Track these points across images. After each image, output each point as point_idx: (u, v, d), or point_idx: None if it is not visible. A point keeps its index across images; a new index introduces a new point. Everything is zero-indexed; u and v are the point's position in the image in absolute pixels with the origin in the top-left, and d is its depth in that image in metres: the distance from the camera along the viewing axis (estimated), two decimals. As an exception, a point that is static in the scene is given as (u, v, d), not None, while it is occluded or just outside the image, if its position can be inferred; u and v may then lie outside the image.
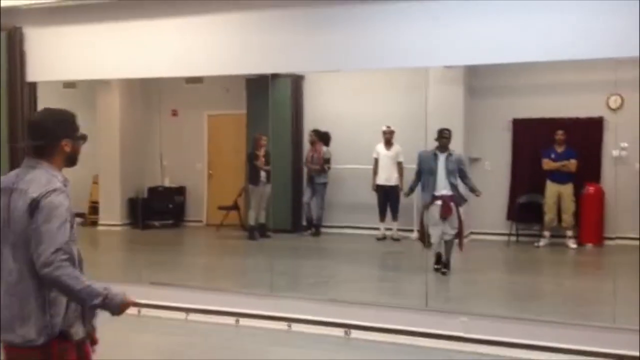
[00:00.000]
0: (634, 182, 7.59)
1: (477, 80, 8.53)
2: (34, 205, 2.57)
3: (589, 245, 8.23)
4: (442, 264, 7.03)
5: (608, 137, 8.15)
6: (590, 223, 8.26)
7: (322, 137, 9.43)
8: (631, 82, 7.17)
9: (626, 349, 4.89)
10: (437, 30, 5.47)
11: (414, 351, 5.35)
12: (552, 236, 8.40)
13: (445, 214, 6.92)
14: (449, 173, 6.99)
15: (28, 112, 6.80)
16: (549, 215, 8.38)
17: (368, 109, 9.27)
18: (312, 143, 9.46)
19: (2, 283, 2.68)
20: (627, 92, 7.59)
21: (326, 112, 9.59)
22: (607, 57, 5.11)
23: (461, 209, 7.10)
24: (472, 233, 8.48)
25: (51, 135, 2.74)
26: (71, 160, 2.82)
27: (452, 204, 6.96)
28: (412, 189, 7.51)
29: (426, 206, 7.08)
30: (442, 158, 7.02)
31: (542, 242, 8.39)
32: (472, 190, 7.15)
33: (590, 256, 8.25)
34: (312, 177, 9.45)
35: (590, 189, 8.30)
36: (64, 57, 6.75)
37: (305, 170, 9.60)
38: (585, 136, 8.38)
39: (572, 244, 8.26)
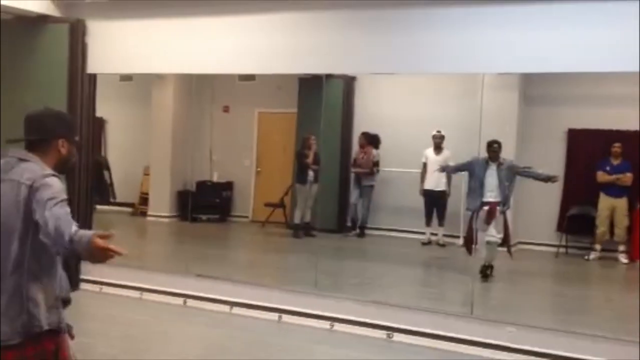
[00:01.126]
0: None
1: (533, 88, 8.40)
2: (32, 190, 2.46)
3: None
4: (486, 268, 7.01)
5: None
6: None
7: (372, 140, 9.41)
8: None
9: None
10: (495, 36, 5.41)
11: (456, 358, 5.30)
12: (603, 250, 8.20)
13: (490, 218, 6.97)
14: (501, 181, 7.05)
15: (87, 103, 7.00)
16: (601, 229, 8.19)
17: (419, 113, 9.21)
18: (362, 146, 9.45)
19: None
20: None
21: (377, 114, 9.56)
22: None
23: (509, 216, 7.08)
24: (520, 243, 8.35)
25: (49, 131, 2.66)
26: (63, 163, 2.69)
27: (497, 208, 6.99)
28: (444, 169, 8.00)
29: (475, 211, 7.08)
30: (493, 167, 7.08)
31: (592, 256, 8.20)
32: (548, 178, 7.08)
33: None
34: (360, 179, 9.45)
35: (646, 204, 8.09)
36: (123, 50, 6.91)
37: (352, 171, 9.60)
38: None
39: (624, 259, 8.08)
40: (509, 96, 8.33)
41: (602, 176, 8.21)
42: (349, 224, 9.55)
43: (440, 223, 8.78)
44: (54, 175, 2.54)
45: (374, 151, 9.39)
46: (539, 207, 8.48)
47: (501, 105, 8.25)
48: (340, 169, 9.55)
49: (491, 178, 7.09)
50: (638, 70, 4.88)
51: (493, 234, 7.01)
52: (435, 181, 8.73)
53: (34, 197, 2.45)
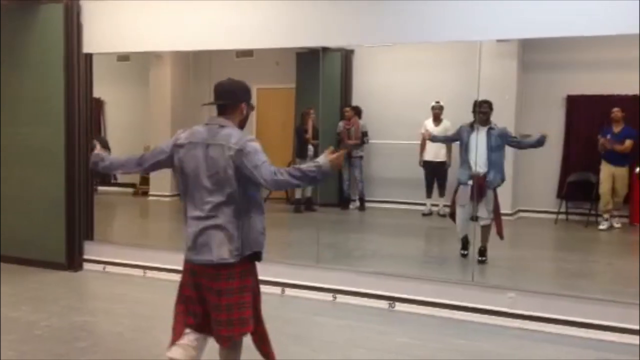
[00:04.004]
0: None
1: (531, 54, 8.35)
2: (240, 153, 3.15)
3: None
4: (479, 252, 6.49)
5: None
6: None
7: (357, 111, 9.43)
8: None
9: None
10: (491, 3, 5.36)
11: (459, 325, 5.35)
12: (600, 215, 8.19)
13: (479, 194, 6.44)
14: (491, 149, 6.43)
15: (84, 83, 6.99)
16: (606, 198, 8.10)
17: (418, 84, 9.18)
18: (349, 117, 9.43)
19: (193, 220, 3.29)
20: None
21: (375, 86, 9.54)
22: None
23: (499, 190, 6.55)
24: (520, 211, 8.39)
25: (235, 97, 3.34)
26: (244, 122, 3.41)
27: (486, 182, 6.44)
28: (433, 139, 7.74)
29: (462, 184, 6.63)
30: (482, 133, 6.49)
31: (604, 225, 8.14)
32: (539, 142, 6.42)
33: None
34: (350, 152, 9.45)
35: (645, 168, 8.09)
36: (118, 29, 6.88)
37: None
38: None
39: (616, 224, 8.11)
40: (508, 64, 8.29)
41: (601, 145, 8.13)
42: (353, 197, 9.57)
43: (441, 194, 8.79)
44: (252, 139, 3.23)
45: (360, 121, 9.40)
46: (539, 174, 8.50)
47: (500, 73, 8.22)
48: (338, 142, 9.55)
49: (480, 145, 6.46)
50: (637, 32, 4.85)
51: (484, 214, 6.48)
52: (435, 152, 8.69)
53: (246, 159, 3.15)
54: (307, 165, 3.23)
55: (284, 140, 10.02)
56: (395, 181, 9.35)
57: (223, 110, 3.36)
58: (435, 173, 8.81)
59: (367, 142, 9.44)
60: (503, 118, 7.76)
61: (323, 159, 3.22)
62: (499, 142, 6.47)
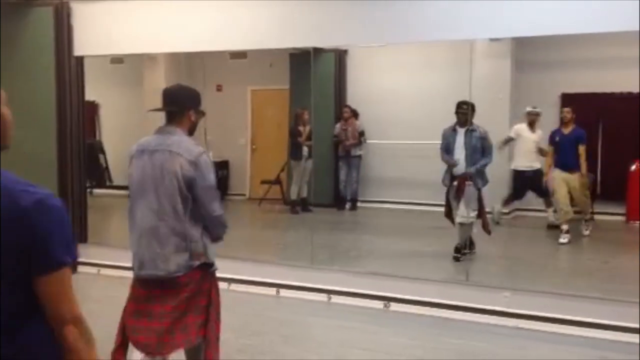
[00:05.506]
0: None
1: (526, 53, 8.34)
2: (193, 166, 3.15)
3: (638, 223, 8.00)
4: (455, 250, 6.49)
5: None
6: (638, 200, 8.01)
7: (355, 112, 9.42)
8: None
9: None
10: (484, 2, 5.35)
11: (454, 325, 5.34)
12: (596, 213, 8.10)
13: (458, 194, 6.44)
14: (470, 150, 6.39)
15: (76, 86, 6.96)
16: (564, 209, 7.39)
17: (413, 84, 9.16)
18: (347, 118, 9.42)
19: (138, 228, 3.23)
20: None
21: (369, 86, 9.52)
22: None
23: (485, 190, 6.53)
24: (517, 209, 8.37)
25: (182, 104, 3.30)
26: (193, 129, 3.37)
27: (466, 182, 6.41)
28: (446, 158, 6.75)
29: (446, 186, 6.61)
30: (461, 133, 6.49)
31: (564, 239, 7.37)
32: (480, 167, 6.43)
33: (638, 234, 8.02)
34: (348, 152, 9.42)
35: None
36: (110, 31, 6.85)
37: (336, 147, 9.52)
38: (638, 111, 8.08)
39: (585, 231, 7.74)
40: (502, 63, 8.28)
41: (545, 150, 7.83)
42: (348, 197, 9.54)
43: (548, 203, 8.05)
44: (205, 153, 3.24)
45: (357, 122, 9.38)
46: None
47: (494, 72, 8.22)
48: (335, 143, 9.54)
49: (459, 146, 6.44)
50: (635, 29, 4.82)
51: (463, 213, 6.42)
52: (529, 158, 7.98)
53: (199, 176, 3.17)
54: None
55: (279, 142, 10.00)
56: (389, 181, 9.32)
57: (171, 118, 3.32)
58: (530, 183, 7.99)
59: (364, 142, 9.43)
60: (497, 117, 7.80)
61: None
62: (479, 144, 6.44)
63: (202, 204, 3.21)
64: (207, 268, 3.34)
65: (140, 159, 3.25)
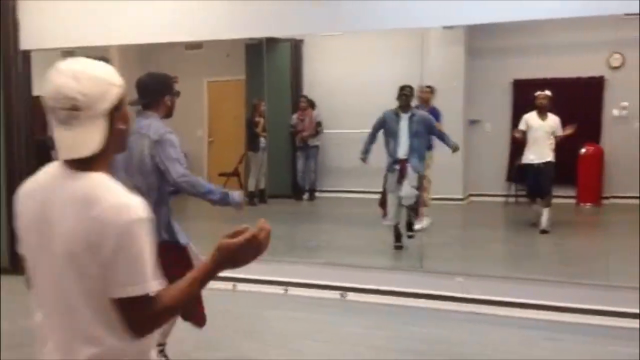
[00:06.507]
0: (634, 141, 7.53)
1: (478, 41, 8.40)
2: (157, 144, 3.45)
3: (588, 205, 8.18)
4: (407, 226, 6.55)
5: (609, 97, 8.05)
6: (588, 183, 8.20)
7: (312, 102, 9.41)
8: (632, 41, 7.08)
9: (620, 306, 4.92)
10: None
11: (410, 312, 5.40)
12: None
13: (400, 177, 6.51)
14: (412, 135, 6.44)
15: (23, 81, 6.79)
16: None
17: (368, 73, 9.16)
18: (304, 109, 9.41)
19: None
20: (628, 50, 7.49)
21: (325, 76, 9.50)
22: (608, 14, 5.04)
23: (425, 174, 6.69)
24: (471, 195, 8.49)
25: (155, 92, 3.60)
26: (170, 112, 3.67)
27: (408, 165, 6.48)
28: (366, 151, 6.90)
29: (389, 170, 6.64)
30: (404, 118, 6.48)
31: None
32: (452, 145, 6.61)
33: (588, 216, 8.22)
34: (306, 143, 9.42)
35: (590, 148, 8.22)
36: (59, 24, 6.70)
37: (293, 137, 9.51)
38: (587, 96, 8.24)
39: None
40: (455, 50, 8.35)
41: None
42: (306, 188, 9.54)
43: (546, 203, 7.51)
44: (171, 132, 3.53)
45: (314, 112, 9.38)
46: (489, 159, 8.59)
47: (448, 59, 8.29)
48: (292, 134, 9.52)
49: (403, 132, 6.44)
50: (584, 15, 4.95)
51: (408, 193, 6.46)
52: (540, 150, 7.29)
53: (161, 150, 3.47)
54: (220, 187, 3.73)
55: (236, 133, 9.93)
56: (347, 170, 9.34)
57: (147, 106, 3.61)
58: (540, 176, 7.23)
59: (322, 132, 9.42)
60: (452, 104, 7.88)
61: (238, 196, 3.71)
62: (420, 128, 6.47)
63: (165, 172, 3.46)
64: (176, 246, 3.61)
65: None
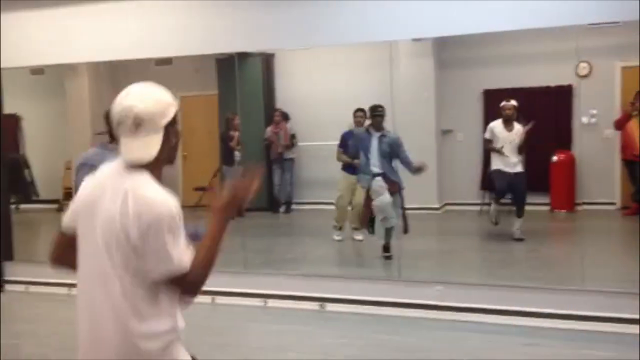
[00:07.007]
0: (603, 148, 7.67)
1: (447, 52, 8.52)
2: None
3: (562, 212, 8.30)
4: (383, 249, 6.60)
5: (578, 104, 8.19)
6: (561, 189, 8.33)
7: (285, 115, 9.44)
8: (598, 49, 7.27)
9: (596, 311, 4.98)
10: (404, 3, 5.46)
11: (389, 321, 5.42)
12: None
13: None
14: (382, 156, 6.47)
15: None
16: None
17: (340, 86, 9.21)
18: (278, 122, 9.43)
19: None
20: (595, 59, 7.65)
21: (297, 90, 9.55)
22: (573, 24, 5.16)
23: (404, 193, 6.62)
24: (446, 204, 8.55)
25: None
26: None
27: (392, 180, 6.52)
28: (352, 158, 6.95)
29: (366, 187, 6.63)
30: (375, 138, 6.53)
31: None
32: (413, 170, 6.47)
33: (562, 222, 8.33)
34: (281, 155, 9.42)
35: (561, 156, 8.35)
36: (27, 42, 6.66)
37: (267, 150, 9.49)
38: (556, 104, 8.39)
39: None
40: (425, 62, 8.44)
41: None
42: (282, 200, 9.53)
43: (519, 213, 7.45)
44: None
45: (288, 125, 9.42)
46: (463, 168, 8.67)
47: (418, 71, 8.38)
48: (266, 147, 9.52)
49: (373, 151, 6.47)
50: (551, 25, 5.07)
51: (392, 215, 6.44)
52: (513, 160, 7.32)
53: None
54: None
55: (210, 148, 9.90)
56: (323, 182, 9.36)
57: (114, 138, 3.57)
58: (513, 186, 7.21)
59: (296, 145, 9.45)
60: (424, 115, 7.95)
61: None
62: (388, 149, 6.48)
63: None
64: None
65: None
